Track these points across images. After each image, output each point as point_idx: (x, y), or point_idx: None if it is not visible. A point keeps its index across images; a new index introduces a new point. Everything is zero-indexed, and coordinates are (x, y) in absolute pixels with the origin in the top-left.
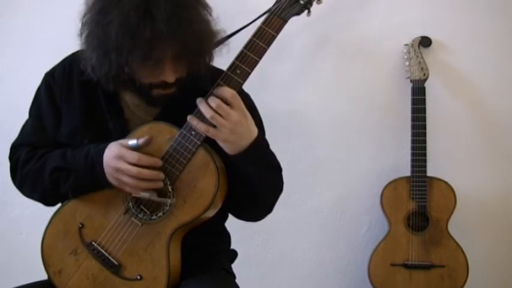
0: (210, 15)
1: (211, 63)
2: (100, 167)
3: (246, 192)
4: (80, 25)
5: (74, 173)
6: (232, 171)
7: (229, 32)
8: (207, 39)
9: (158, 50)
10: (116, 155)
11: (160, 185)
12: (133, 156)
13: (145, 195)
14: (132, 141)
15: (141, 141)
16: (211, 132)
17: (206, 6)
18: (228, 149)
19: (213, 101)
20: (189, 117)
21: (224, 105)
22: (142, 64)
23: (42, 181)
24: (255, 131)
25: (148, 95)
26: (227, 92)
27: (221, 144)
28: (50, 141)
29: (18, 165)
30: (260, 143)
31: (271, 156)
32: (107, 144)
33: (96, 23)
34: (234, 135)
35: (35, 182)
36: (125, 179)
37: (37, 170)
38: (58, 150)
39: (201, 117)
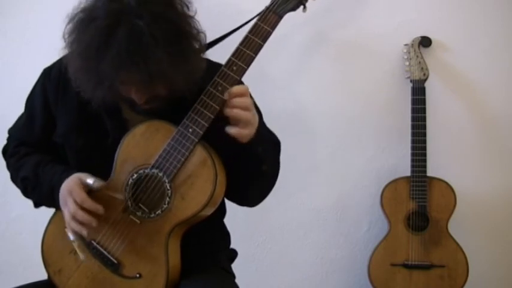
0: (183, 41)
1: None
2: (57, 193)
3: (256, 172)
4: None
5: (38, 189)
6: (237, 158)
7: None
8: (170, 72)
9: (113, 79)
10: (69, 189)
11: (85, 233)
12: (80, 197)
13: (70, 236)
14: (90, 181)
15: (96, 185)
16: (241, 133)
17: (179, 36)
18: (243, 139)
19: (242, 102)
20: (227, 128)
21: (250, 104)
22: (102, 86)
23: (17, 181)
24: (257, 116)
25: (134, 106)
26: (242, 89)
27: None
28: (36, 139)
29: (6, 154)
30: (262, 124)
31: (271, 133)
32: (73, 173)
33: (71, 40)
34: (253, 128)
35: (13, 178)
36: (65, 212)
37: (15, 169)
38: (36, 157)
39: (199, 114)
